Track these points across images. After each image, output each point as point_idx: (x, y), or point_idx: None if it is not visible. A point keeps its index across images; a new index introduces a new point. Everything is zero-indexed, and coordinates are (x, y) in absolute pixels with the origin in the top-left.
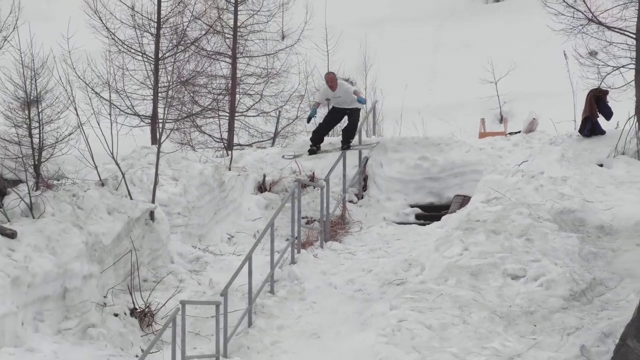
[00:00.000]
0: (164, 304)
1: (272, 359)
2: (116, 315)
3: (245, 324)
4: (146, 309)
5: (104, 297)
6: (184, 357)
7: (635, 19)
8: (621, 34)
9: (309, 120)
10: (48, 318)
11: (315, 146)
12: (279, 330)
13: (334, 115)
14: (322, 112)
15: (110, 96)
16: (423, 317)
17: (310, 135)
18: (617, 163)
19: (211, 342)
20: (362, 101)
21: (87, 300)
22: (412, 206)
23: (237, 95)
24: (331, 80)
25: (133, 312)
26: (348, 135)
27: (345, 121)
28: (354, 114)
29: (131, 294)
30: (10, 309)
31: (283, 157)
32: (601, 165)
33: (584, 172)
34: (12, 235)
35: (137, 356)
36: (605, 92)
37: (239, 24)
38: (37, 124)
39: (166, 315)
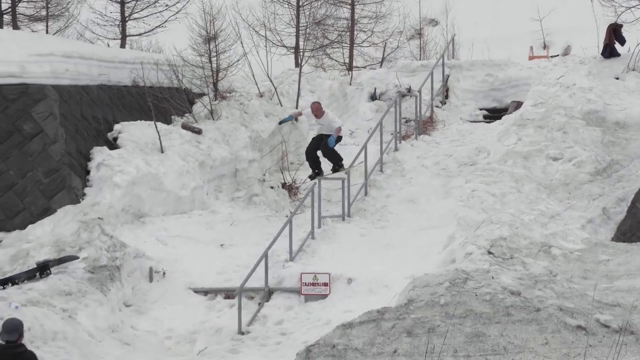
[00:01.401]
0: (304, 180)
1: (382, 217)
2: (272, 187)
3: (362, 193)
4: (293, 183)
5: (263, 175)
6: (320, 217)
7: None
8: None
9: (280, 122)
10: (224, 190)
11: (314, 171)
12: (386, 197)
13: (317, 141)
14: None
15: (265, 33)
16: (489, 188)
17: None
18: (629, 77)
19: (338, 207)
20: (330, 143)
21: (251, 177)
22: (480, 109)
23: (355, 32)
24: (316, 109)
25: (283, 185)
26: (330, 159)
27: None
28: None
29: (282, 173)
30: (199, 183)
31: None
32: (617, 79)
33: (604, 83)
34: (199, 132)
35: (286, 216)
36: (620, 26)
37: None
38: (214, 54)
39: (307, 187)
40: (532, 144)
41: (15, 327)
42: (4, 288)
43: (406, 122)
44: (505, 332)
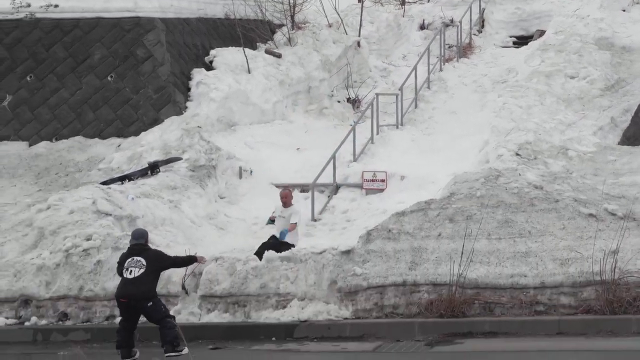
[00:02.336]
0: (366, 95)
1: (429, 126)
2: (339, 101)
3: (413, 106)
4: (356, 98)
5: (332, 91)
6: (378, 125)
7: None
8: None
9: (267, 223)
10: (299, 104)
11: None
12: (433, 110)
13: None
14: None
15: None
16: (517, 102)
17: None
18: (634, 9)
19: (393, 117)
20: (282, 236)
21: (322, 94)
22: (510, 37)
23: None
24: (285, 196)
25: (348, 100)
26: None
27: None
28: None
29: (347, 89)
30: (279, 98)
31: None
32: (624, 10)
33: (613, 14)
34: (279, 56)
35: (351, 125)
36: None
37: None
38: None
39: (367, 102)
40: (553, 65)
41: (141, 234)
42: (122, 183)
43: (449, 47)
44: (530, 219)
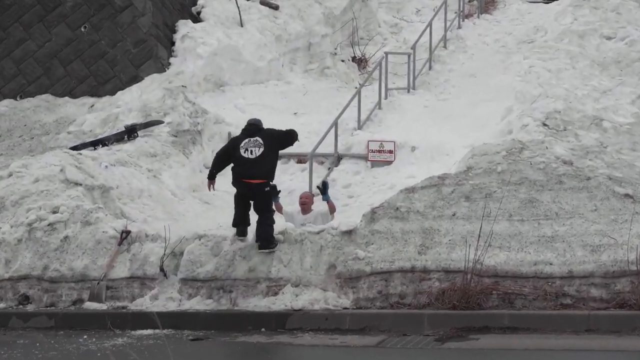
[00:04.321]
0: (373, 54)
1: (444, 90)
2: (342, 61)
3: (426, 68)
4: (362, 57)
5: (335, 49)
6: (387, 89)
7: None
8: None
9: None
10: (298, 62)
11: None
12: (449, 72)
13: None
14: None
15: None
16: (545, 64)
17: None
18: None
19: (404, 80)
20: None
21: (324, 51)
22: None
23: None
24: (306, 198)
25: (353, 59)
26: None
27: None
28: None
29: (352, 47)
30: (275, 56)
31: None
32: None
33: None
34: (276, 7)
35: (355, 87)
36: None
37: None
38: None
39: (375, 61)
40: (587, 24)
41: (256, 120)
42: (95, 149)
43: (469, 1)
44: (557, 199)
